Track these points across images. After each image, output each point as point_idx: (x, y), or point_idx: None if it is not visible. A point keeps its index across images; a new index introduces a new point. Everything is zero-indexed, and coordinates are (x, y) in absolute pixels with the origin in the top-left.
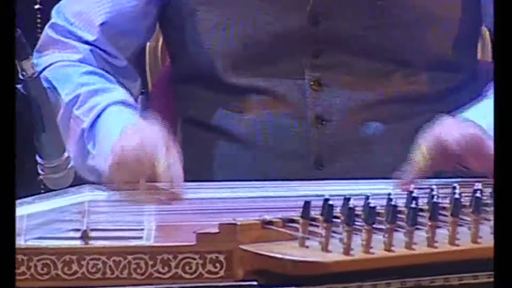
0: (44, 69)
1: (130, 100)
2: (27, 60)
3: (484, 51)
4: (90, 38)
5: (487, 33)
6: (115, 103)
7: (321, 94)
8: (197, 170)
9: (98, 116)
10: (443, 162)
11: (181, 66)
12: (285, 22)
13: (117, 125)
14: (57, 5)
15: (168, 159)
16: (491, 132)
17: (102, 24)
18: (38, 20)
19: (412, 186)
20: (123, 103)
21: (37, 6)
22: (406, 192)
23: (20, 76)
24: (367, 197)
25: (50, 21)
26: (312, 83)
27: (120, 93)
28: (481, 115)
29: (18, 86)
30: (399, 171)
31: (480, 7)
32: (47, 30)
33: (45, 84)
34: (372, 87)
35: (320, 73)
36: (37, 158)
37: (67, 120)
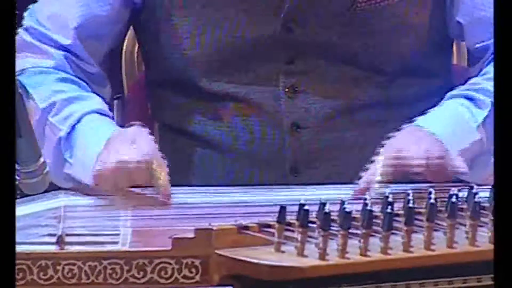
0: (18, 73)
1: (105, 108)
2: None
3: (460, 56)
4: (65, 41)
5: None
6: (91, 112)
7: (296, 101)
8: (173, 175)
9: (75, 125)
10: (400, 175)
11: (156, 71)
12: (259, 28)
13: (95, 134)
14: (30, 8)
15: (158, 166)
16: (444, 139)
17: (76, 27)
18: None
19: (367, 194)
20: (99, 112)
21: (18, 12)
22: (360, 200)
23: None
24: (343, 202)
25: (23, 24)
26: (286, 89)
27: (95, 101)
28: (437, 122)
29: None
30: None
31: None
32: (21, 33)
33: (19, 89)
34: (346, 93)
35: (295, 80)
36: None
37: (42, 127)
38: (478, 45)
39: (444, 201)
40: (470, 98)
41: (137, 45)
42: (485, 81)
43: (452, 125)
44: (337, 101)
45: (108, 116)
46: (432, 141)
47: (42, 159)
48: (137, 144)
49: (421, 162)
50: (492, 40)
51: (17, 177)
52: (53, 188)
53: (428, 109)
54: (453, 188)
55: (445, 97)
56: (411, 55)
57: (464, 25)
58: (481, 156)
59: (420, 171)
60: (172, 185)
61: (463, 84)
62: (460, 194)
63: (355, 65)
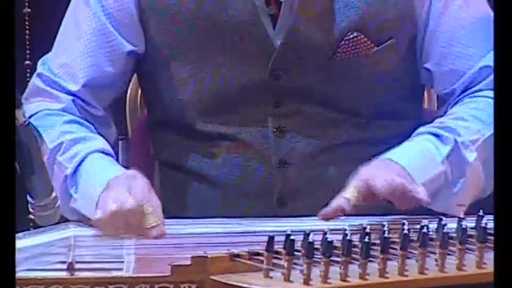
0: (30, 116)
1: (108, 148)
2: (19, 109)
3: (430, 101)
4: (73, 88)
5: None
6: (95, 151)
7: (283, 140)
8: (172, 208)
9: (80, 163)
10: (368, 201)
11: (156, 114)
12: (250, 76)
13: (97, 173)
14: (43, 57)
15: (150, 210)
16: (411, 169)
17: (84, 77)
18: (28, 75)
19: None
20: (102, 151)
21: (28, 63)
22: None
23: None
24: (325, 233)
25: (37, 71)
26: (274, 130)
27: (99, 142)
28: (405, 155)
29: None
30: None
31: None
32: (34, 80)
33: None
34: (328, 133)
35: (282, 121)
36: (28, 197)
37: (51, 166)
38: (445, 91)
39: (416, 232)
40: (436, 135)
41: (140, 91)
42: (449, 120)
43: (419, 158)
44: (320, 140)
45: (110, 155)
46: (399, 170)
47: (54, 194)
48: (132, 190)
49: (387, 189)
50: (457, 85)
51: (31, 210)
52: (64, 220)
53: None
54: (424, 220)
55: (414, 134)
56: (385, 100)
57: (433, 72)
58: (445, 188)
59: (385, 197)
60: (171, 217)
61: (431, 122)
62: (431, 226)
63: (335, 109)
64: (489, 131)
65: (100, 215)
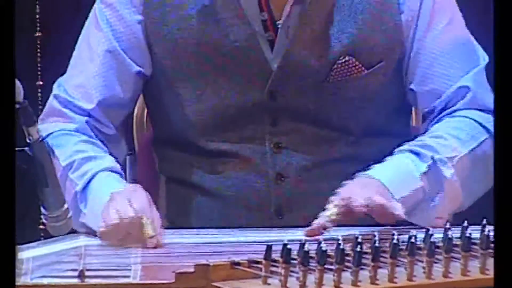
0: (48, 135)
1: (117, 166)
2: (33, 127)
3: (418, 119)
4: (88, 107)
5: None
6: (104, 170)
7: (279, 156)
8: (176, 219)
9: (89, 181)
10: (348, 219)
11: (161, 131)
12: (249, 97)
13: (105, 190)
14: (58, 80)
15: (148, 221)
16: (390, 185)
17: (98, 97)
18: (39, 95)
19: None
20: (111, 170)
21: (40, 83)
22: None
23: (27, 140)
24: (320, 242)
25: (53, 93)
26: (272, 146)
27: (108, 161)
28: (385, 172)
29: (26, 148)
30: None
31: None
32: (51, 101)
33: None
34: (321, 150)
35: (278, 138)
36: (42, 209)
37: (64, 182)
38: (426, 109)
39: (405, 241)
40: (414, 152)
41: (145, 109)
42: (428, 138)
43: (398, 174)
44: (313, 156)
45: (118, 173)
46: (378, 187)
47: (66, 206)
48: (132, 202)
49: (365, 207)
50: (436, 103)
51: (44, 221)
52: (75, 230)
53: None
54: (412, 230)
55: (395, 151)
56: (375, 118)
57: (416, 91)
58: (423, 202)
59: (365, 213)
60: (175, 227)
61: (412, 140)
62: (419, 236)
63: (328, 127)
64: (466, 149)
65: (103, 226)
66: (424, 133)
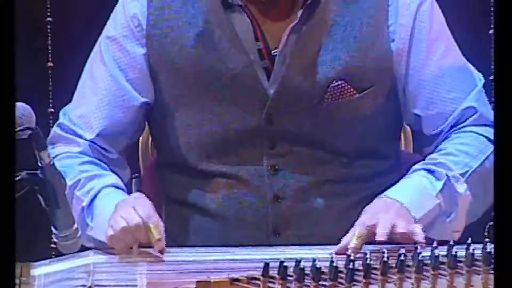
0: (54, 157)
1: (120, 183)
2: (45, 151)
3: (406, 143)
4: (89, 136)
5: (409, 128)
6: (107, 186)
7: (276, 177)
8: (178, 238)
9: (95, 196)
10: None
11: (164, 155)
12: (247, 122)
13: (110, 203)
14: (64, 108)
15: (153, 225)
16: (410, 205)
17: (99, 128)
18: (51, 121)
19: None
20: (114, 186)
21: (51, 110)
22: (345, 256)
23: (39, 164)
24: (314, 260)
25: (58, 121)
26: (269, 168)
27: (111, 178)
28: (404, 193)
29: (37, 171)
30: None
31: (399, 109)
32: (55, 128)
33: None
34: (316, 171)
35: (275, 161)
36: (53, 229)
37: (70, 200)
38: (433, 132)
39: (395, 259)
40: (429, 171)
41: (150, 136)
42: (440, 156)
43: (416, 194)
44: (309, 178)
45: (121, 189)
46: (399, 209)
47: (75, 226)
48: (136, 209)
49: (388, 236)
50: (444, 126)
51: (55, 240)
52: (84, 248)
53: (380, 185)
54: (402, 249)
55: (410, 170)
56: (366, 141)
57: (421, 116)
58: (440, 217)
59: (388, 235)
60: (177, 246)
61: (423, 159)
62: (408, 254)
63: (322, 149)
64: (476, 162)
65: (111, 233)
66: (433, 152)
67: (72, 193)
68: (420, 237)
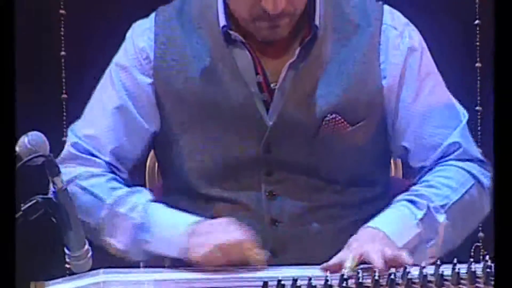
0: (75, 177)
1: (151, 195)
2: (58, 177)
3: (396, 169)
4: (104, 158)
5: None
6: (149, 201)
7: (273, 202)
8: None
9: (145, 212)
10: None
11: (169, 180)
12: (246, 150)
13: (171, 219)
14: (71, 127)
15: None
16: (392, 235)
17: (110, 149)
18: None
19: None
20: (154, 201)
21: (65, 139)
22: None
23: (52, 189)
24: (310, 278)
25: (71, 140)
26: (267, 194)
27: (146, 193)
28: (387, 223)
29: (51, 196)
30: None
31: (388, 141)
32: (70, 148)
33: (81, 191)
34: (311, 197)
35: (273, 187)
36: (65, 250)
37: (112, 217)
38: (419, 164)
39: (385, 278)
40: (411, 201)
41: (156, 162)
42: (423, 188)
43: (398, 223)
44: (304, 203)
45: (161, 202)
46: (383, 238)
47: (86, 246)
48: (230, 230)
49: (376, 256)
50: (429, 159)
51: (68, 260)
52: (94, 268)
53: (371, 210)
54: (392, 268)
55: (394, 201)
56: (358, 169)
57: (409, 150)
58: (420, 245)
59: (377, 263)
60: (181, 266)
61: (406, 190)
62: (397, 273)
63: (317, 177)
64: (456, 195)
65: (203, 253)
66: (416, 183)
67: (112, 210)
68: (407, 259)
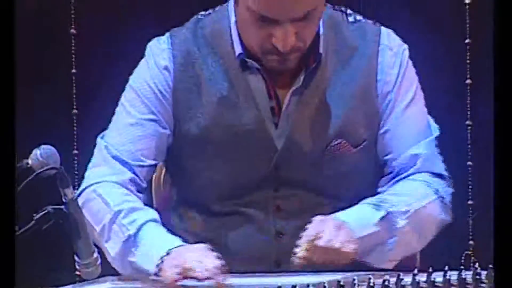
0: (95, 183)
1: (158, 217)
2: (68, 188)
3: None
4: (130, 167)
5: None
6: (150, 220)
7: (279, 216)
8: None
9: (140, 228)
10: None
11: (180, 194)
12: (256, 169)
13: (155, 239)
14: (101, 134)
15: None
16: (352, 226)
17: (137, 159)
18: (75, 162)
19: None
20: (155, 220)
21: (75, 152)
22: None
23: (63, 200)
24: (308, 285)
25: (102, 145)
26: (273, 208)
27: (152, 212)
28: (349, 215)
29: (62, 206)
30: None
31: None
32: (102, 150)
33: (94, 195)
34: (314, 212)
35: (279, 202)
36: (75, 257)
37: (112, 224)
38: (388, 169)
39: (379, 284)
40: (373, 204)
41: (162, 172)
42: (387, 195)
43: (359, 218)
44: (307, 217)
45: (161, 223)
46: (342, 224)
47: (95, 255)
48: (203, 256)
49: (337, 242)
50: (397, 163)
51: (77, 267)
52: (102, 275)
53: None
54: (386, 275)
55: (359, 203)
56: (359, 187)
57: (383, 160)
58: (379, 246)
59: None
60: None
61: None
62: (392, 279)
63: (321, 194)
64: (418, 205)
65: (169, 278)
66: (384, 191)
67: (116, 218)
68: (354, 251)
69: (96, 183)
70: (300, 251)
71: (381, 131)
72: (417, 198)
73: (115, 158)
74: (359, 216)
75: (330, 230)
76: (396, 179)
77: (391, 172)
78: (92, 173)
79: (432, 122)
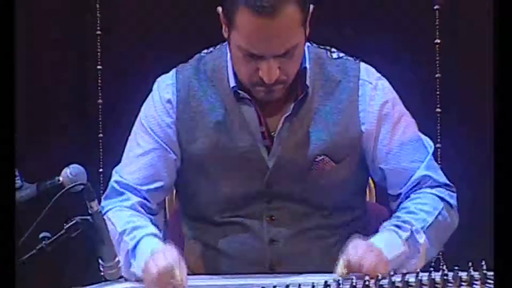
0: (109, 210)
1: (157, 232)
2: (94, 201)
3: (371, 196)
4: (138, 192)
5: (372, 184)
6: (147, 235)
7: (272, 225)
8: (194, 269)
9: (138, 242)
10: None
11: (187, 208)
12: (251, 187)
13: (148, 248)
14: (116, 168)
15: (178, 269)
16: (384, 250)
17: (146, 183)
18: (101, 179)
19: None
20: (153, 235)
21: (101, 170)
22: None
23: (89, 211)
24: (299, 285)
25: (113, 179)
26: (267, 218)
27: (151, 228)
28: (380, 241)
29: (88, 217)
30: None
31: (367, 171)
32: (113, 184)
33: (107, 220)
34: (303, 221)
35: (272, 213)
36: (100, 260)
37: (119, 243)
38: (397, 192)
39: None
40: (397, 226)
41: (174, 190)
42: (404, 215)
43: (388, 242)
44: (297, 226)
45: (158, 237)
46: (377, 250)
47: (117, 258)
48: (166, 256)
49: (371, 264)
50: (403, 190)
51: (101, 269)
52: (123, 276)
53: (352, 229)
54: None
55: (381, 227)
56: (342, 197)
57: (388, 180)
58: (406, 262)
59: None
60: (195, 274)
61: (390, 216)
62: (371, 281)
63: (308, 205)
64: (431, 218)
65: (145, 275)
66: (397, 208)
67: (122, 237)
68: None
69: (108, 210)
70: (340, 270)
71: (381, 165)
72: (429, 211)
73: (125, 187)
74: (388, 240)
75: (365, 253)
76: (406, 198)
77: (399, 193)
78: (105, 203)
79: (426, 139)
